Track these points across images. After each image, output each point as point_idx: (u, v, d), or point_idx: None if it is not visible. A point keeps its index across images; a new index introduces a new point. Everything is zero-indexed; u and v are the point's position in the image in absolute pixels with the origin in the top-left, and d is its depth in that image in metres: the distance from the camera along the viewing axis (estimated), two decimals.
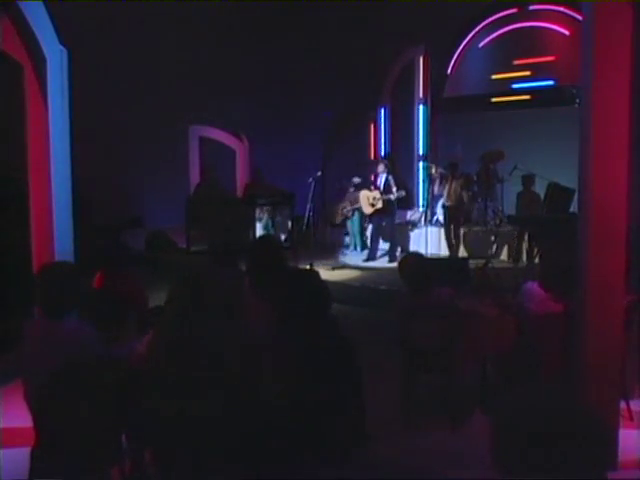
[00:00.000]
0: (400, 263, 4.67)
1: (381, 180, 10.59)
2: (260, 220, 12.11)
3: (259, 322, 3.66)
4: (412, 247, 11.11)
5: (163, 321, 3.20)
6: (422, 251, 9.56)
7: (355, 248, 11.76)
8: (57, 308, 3.19)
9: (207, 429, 2.79)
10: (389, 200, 10.42)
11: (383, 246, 10.93)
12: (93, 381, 2.86)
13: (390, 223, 10.61)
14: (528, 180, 10.17)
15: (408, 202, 13.66)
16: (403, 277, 4.59)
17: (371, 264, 10.42)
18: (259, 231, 11.91)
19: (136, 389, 2.93)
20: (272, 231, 11.72)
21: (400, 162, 12.96)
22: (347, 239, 12.19)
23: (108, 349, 3.38)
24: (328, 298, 3.41)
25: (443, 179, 10.93)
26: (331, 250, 11.86)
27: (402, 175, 12.70)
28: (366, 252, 10.92)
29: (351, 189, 11.80)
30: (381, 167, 10.75)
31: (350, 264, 10.55)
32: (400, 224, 11.70)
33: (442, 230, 10.76)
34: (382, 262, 10.44)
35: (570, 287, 3.93)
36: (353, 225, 11.83)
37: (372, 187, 10.95)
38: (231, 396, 2.92)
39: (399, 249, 10.67)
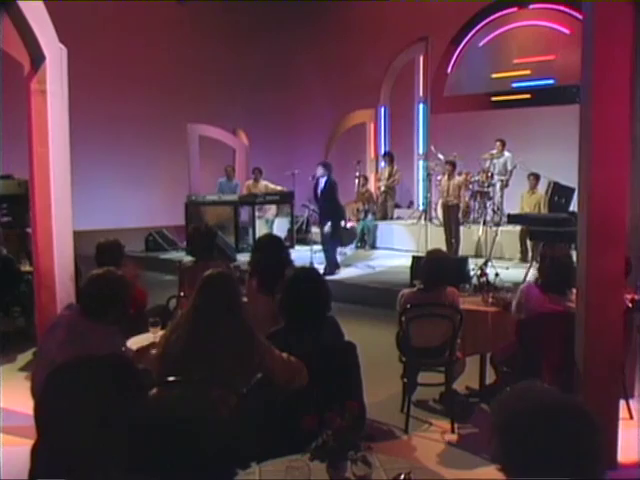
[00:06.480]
0: (424, 258, 4.74)
1: (320, 184, 9.51)
2: (260, 219, 12.12)
3: (264, 318, 3.67)
4: (411, 247, 11.12)
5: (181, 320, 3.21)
6: (421, 251, 9.56)
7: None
8: (99, 310, 3.30)
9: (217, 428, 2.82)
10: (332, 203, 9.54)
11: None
12: (99, 379, 2.86)
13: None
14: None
15: (408, 201, 13.69)
16: (422, 272, 4.59)
17: None
18: (259, 230, 11.90)
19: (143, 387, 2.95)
20: (270, 230, 11.70)
21: (400, 161, 12.96)
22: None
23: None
24: (329, 296, 3.41)
25: (442, 178, 10.93)
26: None
27: (402, 174, 12.72)
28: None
29: None
30: (320, 171, 9.54)
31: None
32: (399, 223, 11.67)
33: (441, 229, 10.74)
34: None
35: (569, 289, 3.94)
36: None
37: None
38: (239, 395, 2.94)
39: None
